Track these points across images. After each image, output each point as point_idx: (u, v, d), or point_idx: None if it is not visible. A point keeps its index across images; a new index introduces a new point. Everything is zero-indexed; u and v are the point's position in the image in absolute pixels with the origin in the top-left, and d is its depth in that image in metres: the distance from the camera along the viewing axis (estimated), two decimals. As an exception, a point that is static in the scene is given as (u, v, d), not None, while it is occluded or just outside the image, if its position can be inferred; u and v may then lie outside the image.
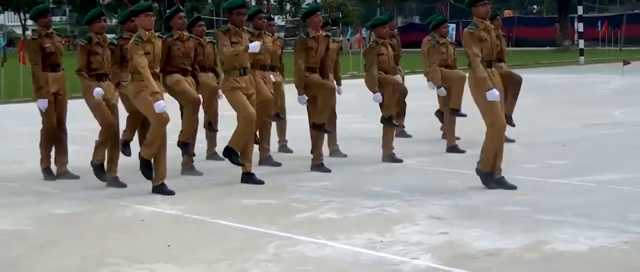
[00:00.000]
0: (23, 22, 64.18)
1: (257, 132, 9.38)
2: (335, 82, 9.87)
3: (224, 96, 8.95)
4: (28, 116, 13.94)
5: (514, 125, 10.86)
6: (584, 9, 36.78)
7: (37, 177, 9.22)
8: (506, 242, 6.09)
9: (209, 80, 9.62)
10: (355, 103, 13.88)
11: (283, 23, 62.34)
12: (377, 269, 5.56)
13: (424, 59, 11.39)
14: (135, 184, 8.50)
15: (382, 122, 9.95)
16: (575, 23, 39.20)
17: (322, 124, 9.42)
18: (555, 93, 20.07)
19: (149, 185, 8.28)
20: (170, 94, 9.16)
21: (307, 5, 10.82)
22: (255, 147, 9.19)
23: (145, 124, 9.37)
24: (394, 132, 10.24)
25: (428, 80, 11.26)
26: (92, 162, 8.72)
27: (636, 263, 5.61)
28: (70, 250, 6.20)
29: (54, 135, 9.22)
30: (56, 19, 68.13)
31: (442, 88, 10.97)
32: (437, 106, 11.76)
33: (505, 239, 6.17)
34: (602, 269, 5.50)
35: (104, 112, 8.66)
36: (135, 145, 9.16)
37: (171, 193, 8.11)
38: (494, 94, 7.98)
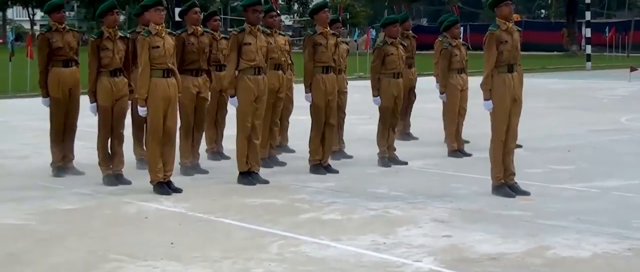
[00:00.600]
0: (31, 16, 64.27)
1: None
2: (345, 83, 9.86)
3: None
4: (35, 111, 13.95)
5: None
6: (591, 14, 36.70)
7: (43, 172, 9.23)
8: (509, 247, 6.09)
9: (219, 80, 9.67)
10: (361, 104, 13.88)
11: (291, 23, 62.34)
12: (379, 270, 5.57)
13: (435, 60, 11.32)
14: (139, 180, 8.52)
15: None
16: (583, 28, 39.16)
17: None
18: (561, 98, 20.04)
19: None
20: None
21: (313, 4, 10.84)
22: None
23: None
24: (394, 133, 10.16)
25: (437, 82, 11.19)
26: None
27: (639, 270, 5.61)
28: (74, 245, 6.22)
29: (61, 133, 9.13)
30: (64, 14, 67.72)
31: (445, 94, 10.88)
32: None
33: (508, 244, 6.18)
34: (605, 276, 5.51)
35: (105, 119, 8.58)
36: (128, 147, 9.16)
37: (178, 191, 8.12)
38: (488, 105, 7.98)
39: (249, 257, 5.83)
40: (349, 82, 10.64)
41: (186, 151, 9.24)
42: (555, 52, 47.96)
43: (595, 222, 6.87)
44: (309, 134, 9.43)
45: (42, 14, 66.19)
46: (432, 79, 11.50)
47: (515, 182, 8.09)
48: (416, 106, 12.41)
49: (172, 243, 6.23)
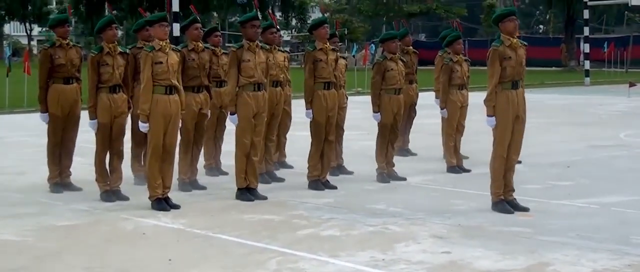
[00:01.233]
0: (29, 32, 64.36)
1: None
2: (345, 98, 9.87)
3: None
4: (32, 127, 13.97)
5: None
6: (590, 29, 36.79)
7: (40, 188, 9.22)
8: (508, 263, 6.09)
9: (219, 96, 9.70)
10: (360, 120, 13.90)
11: (288, 38, 62.50)
12: (378, 287, 5.56)
13: (436, 75, 11.32)
14: (137, 196, 8.52)
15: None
16: (582, 44, 39.30)
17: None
18: (560, 114, 20.08)
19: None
20: None
21: (312, 20, 10.82)
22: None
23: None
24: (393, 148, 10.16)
25: (436, 97, 11.20)
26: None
27: (639, 286, 5.61)
28: (72, 262, 6.21)
29: (58, 149, 9.11)
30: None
31: (445, 110, 10.88)
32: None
33: (507, 260, 6.18)
34: (605, 292, 5.51)
35: (103, 135, 8.58)
36: (126, 163, 9.17)
37: (176, 207, 8.12)
38: (491, 122, 7.98)
39: (247, 274, 5.82)
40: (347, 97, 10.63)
41: (185, 166, 9.25)
42: (553, 68, 48.08)
43: (595, 238, 6.87)
44: (309, 149, 9.44)
45: (40, 29, 66.53)
46: (431, 94, 11.50)
47: (515, 198, 8.10)
48: (415, 121, 12.42)
49: (170, 260, 6.23)
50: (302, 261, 6.17)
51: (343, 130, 10.45)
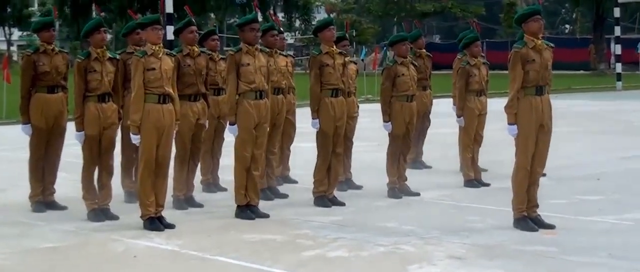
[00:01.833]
0: (8, 36, 64.56)
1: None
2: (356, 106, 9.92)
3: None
4: (12, 140, 14.01)
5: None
6: (621, 29, 36.76)
7: (21, 207, 9.22)
8: (532, 286, 6.10)
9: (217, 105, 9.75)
10: (369, 129, 13.93)
11: (292, 41, 62.64)
12: (390, 313, 5.57)
13: (453, 80, 11.31)
14: (128, 215, 8.54)
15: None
16: (612, 45, 39.30)
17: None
18: (589, 121, 20.08)
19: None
20: None
21: (318, 21, 10.84)
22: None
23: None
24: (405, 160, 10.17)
25: (454, 104, 11.19)
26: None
27: (675, 311, 5.61)
28: (56, 287, 6.24)
29: (41, 164, 9.11)
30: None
31: (461, 118, 10.85)
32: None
33: (531, 282, 6.19)
34: (638, 317, 5.51)
35: (91, 149, 8.61)
36: (116, 178, 9.18)
37: (170, 226, 8.14)
38: (512, 130, 7.97)
39: (247, 299, 5.84)
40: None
41: (180, 182, 9.27)
42: (581, 71, 48.02)
43: (629, 257, 6.87)
44: (315, 163, 9.44)
45: (20, 33, 66.72)
46: (446, 101, 11.49)
47: (538, 215, 8.10)
48: (430, 131, 12.43)
49: (163, 284, 6.25)
50: (307, 285, 6.19)
51: (351, 143, 10.46)
